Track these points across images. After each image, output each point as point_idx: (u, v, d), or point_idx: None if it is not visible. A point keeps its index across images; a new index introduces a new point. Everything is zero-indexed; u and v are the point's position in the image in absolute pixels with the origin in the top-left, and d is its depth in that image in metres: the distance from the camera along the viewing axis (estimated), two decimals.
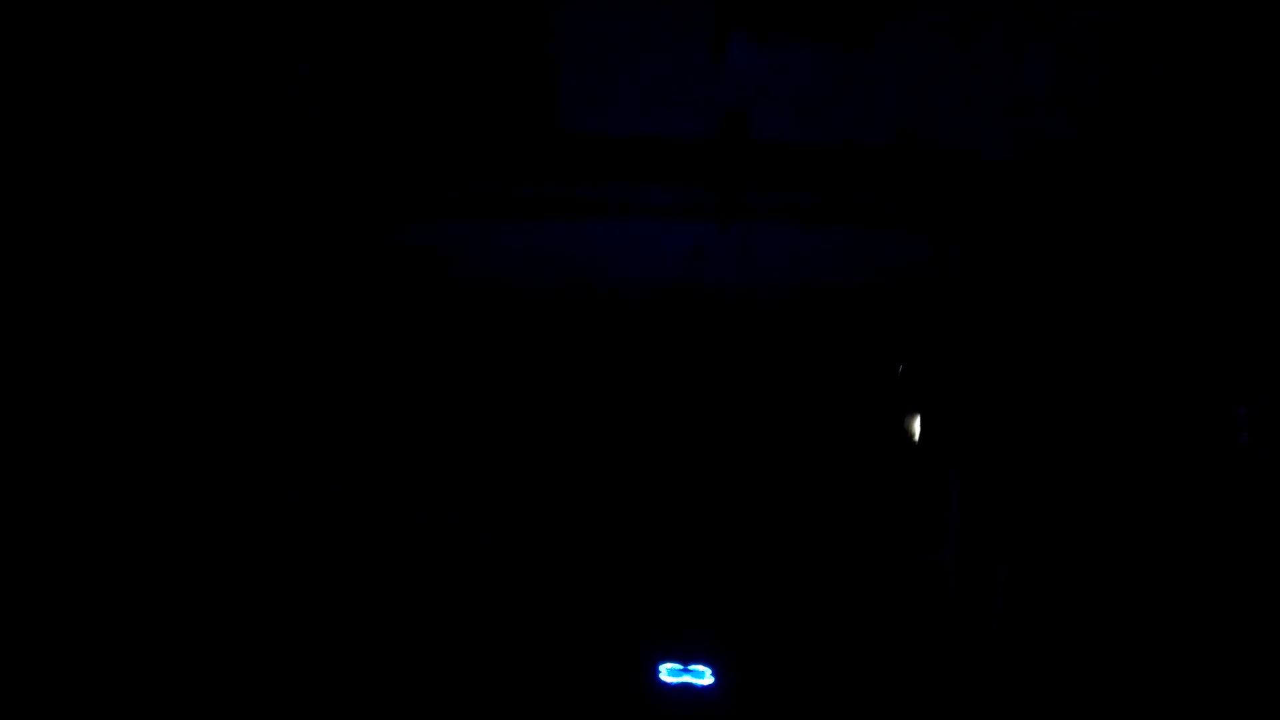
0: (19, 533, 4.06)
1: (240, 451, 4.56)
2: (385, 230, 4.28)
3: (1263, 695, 3.69)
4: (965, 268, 4.04)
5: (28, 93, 3.61)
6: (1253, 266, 3.99)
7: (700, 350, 4.45)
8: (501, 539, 4.51)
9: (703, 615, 4.37)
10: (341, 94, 3.83)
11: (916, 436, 4.36)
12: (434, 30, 3.66)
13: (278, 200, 4.14)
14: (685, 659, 4.19)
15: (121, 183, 3.97)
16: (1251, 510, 4.01)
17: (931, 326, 4.27)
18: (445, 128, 4.05)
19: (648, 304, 4.34)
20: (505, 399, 4.62)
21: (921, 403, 4.34)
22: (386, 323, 4.53)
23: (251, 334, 4.55)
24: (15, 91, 3.58)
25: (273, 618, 4.26)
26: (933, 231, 3.90)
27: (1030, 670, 4.01)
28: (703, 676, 4.17)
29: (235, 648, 4.13)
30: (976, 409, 4.22)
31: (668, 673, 4.17)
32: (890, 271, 4.09)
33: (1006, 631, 4.06)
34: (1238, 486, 4.10)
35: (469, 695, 4.15)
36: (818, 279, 4.16)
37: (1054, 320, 4.07)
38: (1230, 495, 4.06)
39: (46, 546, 4.12)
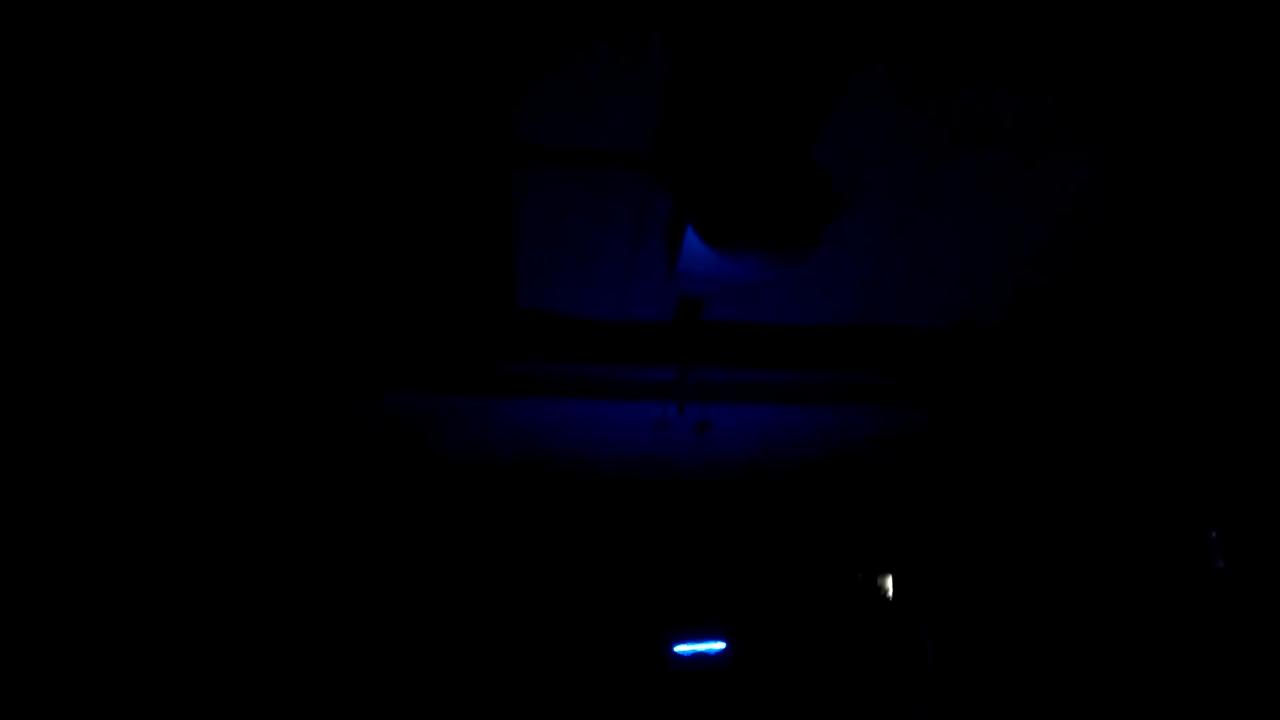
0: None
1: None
2: (349, 406, 4.31)
3: None
4: (930, 432, 4.09)
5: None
6: (1221, 403, 4.06)
7: (668, 516, 4.46)
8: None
9: None
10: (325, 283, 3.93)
11: (890, 595, 4.35)
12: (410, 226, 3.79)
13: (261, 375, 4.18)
14: None
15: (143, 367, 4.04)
16: (1228, 628, 4.00)
17: (898, 491, 4.30)
18: (416, 308, 4.13)
19: (612, 474, 4.36)
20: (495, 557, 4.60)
21: (893, 563, 4.35)
22: (353, 490, 4.53)
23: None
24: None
25: None
26: (883, 401, 3.97)
27: None
28: None
29: None
30: (947, 567, 4.23)
31: None
32: (846, 440, 4.12)
33: None
34: (1214, 610, 4.10)
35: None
36: (777, 450, 4.19)
37: (1019, 476, 4.11)
38: (1208, 618, 4.06)
39: None
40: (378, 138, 3.34)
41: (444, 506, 4.47)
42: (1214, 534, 4.31)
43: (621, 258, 4.00)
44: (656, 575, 4.52)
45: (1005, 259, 3.71)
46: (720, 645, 4.32)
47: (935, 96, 2.83)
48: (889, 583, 4.31)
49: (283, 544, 4.66)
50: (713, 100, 2.87)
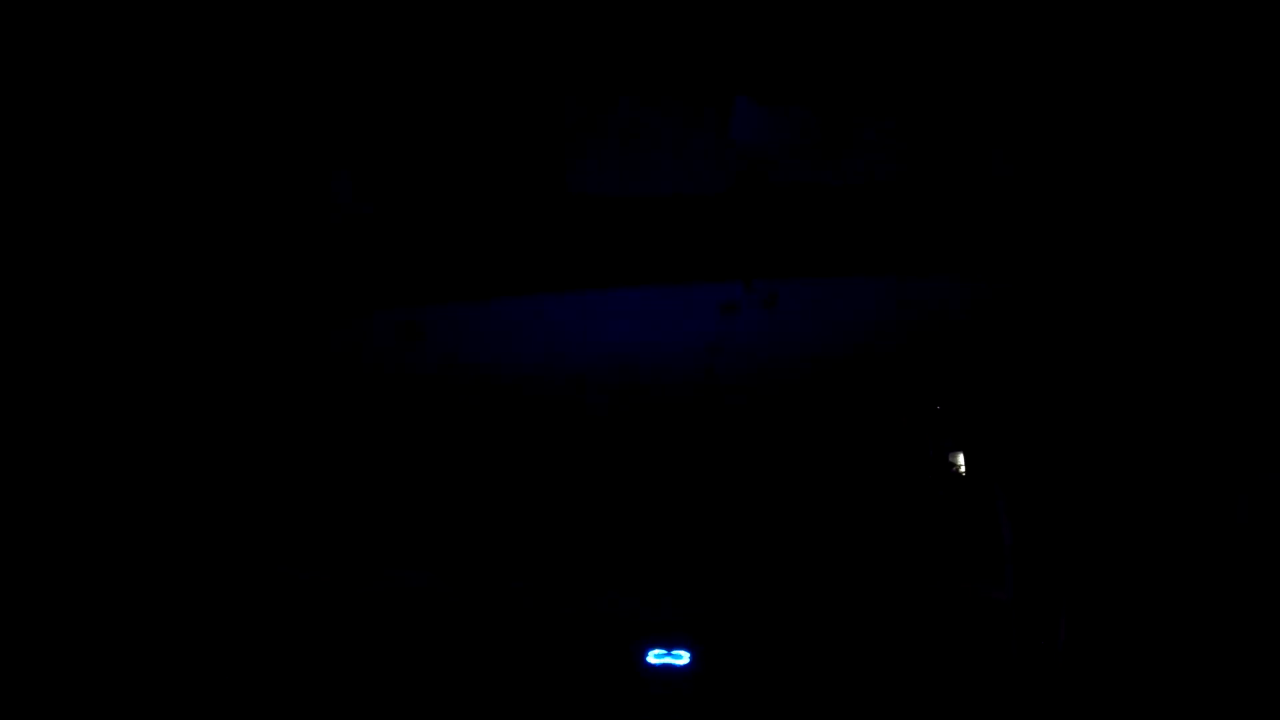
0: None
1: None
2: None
3: None
4: (1001, 306, 3.94)
5: None
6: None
7: (741, 399, 4.37)
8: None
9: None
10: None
11: (963, 473, 4.26)
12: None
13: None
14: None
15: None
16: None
17: (969, 365, 4.16)
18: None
19: (682, 362, 4.25)
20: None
21: (966, 440, 4.25)
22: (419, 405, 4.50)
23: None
24: None
25: None
26: (963, 270, 3.80)
27: (1095, 708, 3.89)
28: None
29: None
30: (1020, 443, 4.11)
31: None
32: (922, 313, 3.98)
33: (1071, 668, 3.95)
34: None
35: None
36: (850, 326, 4.06)
37: (1088, 354, 3.95)
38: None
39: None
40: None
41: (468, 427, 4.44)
42: None
43: (672, 138, 3.84)
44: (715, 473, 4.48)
45: None
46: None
47: None
48: (961, 460, 4.21)
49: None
50: None
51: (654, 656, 4.22)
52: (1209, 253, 3.53)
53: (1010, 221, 3.84)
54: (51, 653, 4.11)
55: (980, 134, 3.82)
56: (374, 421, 4.59)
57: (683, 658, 4.17)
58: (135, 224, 3.82)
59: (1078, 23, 3.49)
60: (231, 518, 4.74)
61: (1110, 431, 4.00)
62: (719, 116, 3.76)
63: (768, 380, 4.25)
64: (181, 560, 4.62)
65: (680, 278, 3.93)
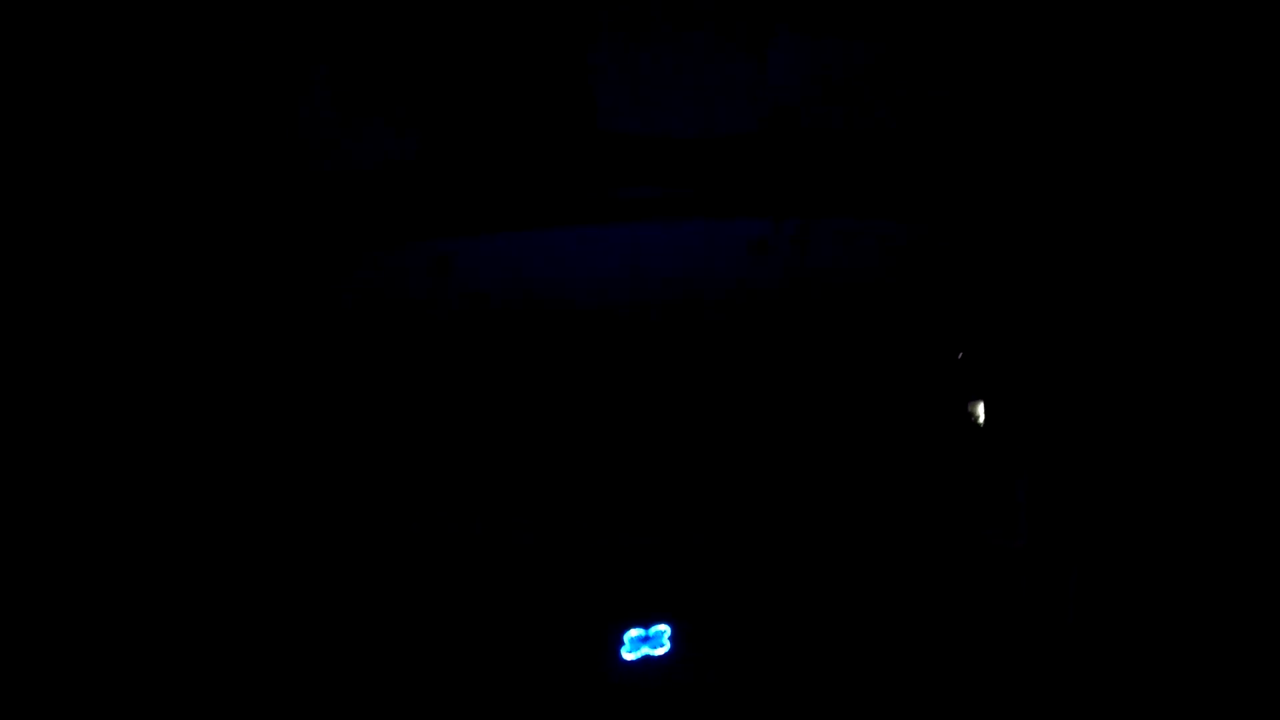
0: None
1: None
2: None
3: None
4: (1028, 256, 3.94)
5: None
6: None
7: (757, 341, 4.39)
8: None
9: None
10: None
11: (981, 420, 4.28)
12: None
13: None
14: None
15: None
16: None
17: (991, 314, 4.17)
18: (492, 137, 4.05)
19: (709, 301, 4.28)
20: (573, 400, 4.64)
21: (985, 386, 4.26)
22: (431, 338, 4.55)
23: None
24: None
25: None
26: (982, 217, 3.81)
27: (1108, 661, 3.94)
28: None
29: None
30: (1042, 390, 4.12)
31: None
32: (945, 258, 3.99)
33: (1083, 620, 4.00)
34: None
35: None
36: (874, 267, 4.07)
37: (1109, 304, 3.94)
38: None
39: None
40: None
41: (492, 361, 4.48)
42: None
43: (703, 75, 3.84)
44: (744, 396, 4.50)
45: None
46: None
47: None
48: (980, 409, 4.23)
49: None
50: None
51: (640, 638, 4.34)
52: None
53: (1041, 176, 3.83)
54: (89, 605, 4.17)
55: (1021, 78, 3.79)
56: (400, 362, 4.65)
57: (657, 637, 4.28)
58: (180, 160, 3.89)
59: None
60: (257, 470, 4.79)
61: (1129, 383, 4.00)
62: (753, 55, 3.76)
63: (789, 321, 4.27)
64: (210, 512, 4.67)
65: (709, 214, 3.97)
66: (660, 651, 4.23)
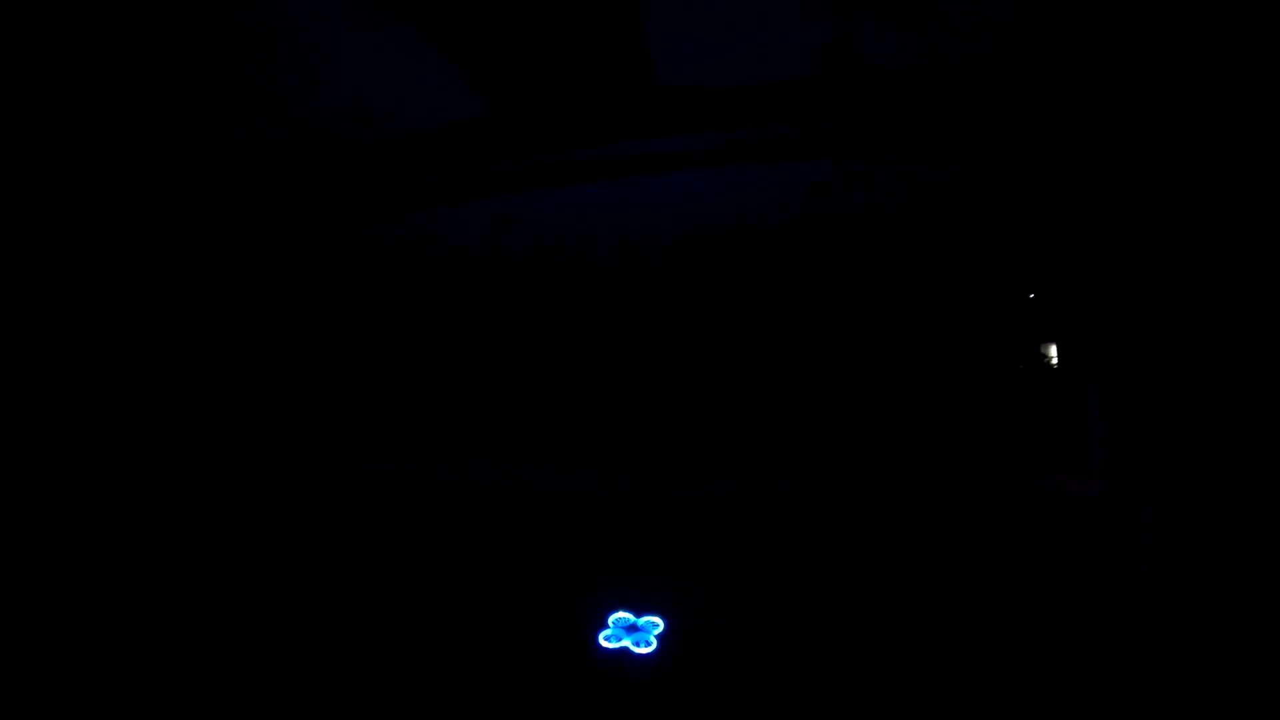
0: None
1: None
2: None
3: None
4: (1102, 195, 3.73)
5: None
6: None
7: (831, 278, 4.41)
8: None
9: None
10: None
11: (1054, 362, 4.14)
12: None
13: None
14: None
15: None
16: None
17: (1064, 254, 3.99)
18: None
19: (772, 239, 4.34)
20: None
21: (1059, 330, 4.11)
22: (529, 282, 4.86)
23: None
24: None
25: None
26: (1049, 156, 3.63)
27: (1181, 610, 3.78)
28: None
29: None
30: (1114, 336, 3.92)
31: None
32: (1016, 197, 3.86)
33: (1156, 569, 3.85)
34: None
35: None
36: (938, 208, 4.00)
37: (1187, 246, 3.66)
38: None
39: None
40: None
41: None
42: None
43: (754, 31, 3.84)
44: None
45: None
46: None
47: None
48: (1052, 351, 4.11)
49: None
50: None
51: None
52: None
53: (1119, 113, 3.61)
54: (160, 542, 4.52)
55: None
56: (460, 308, 4.96)
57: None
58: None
59: None
60: (317, 411, 5.17)
61: (1205, 324, 3.75)
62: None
63: (856, 260, 4.28)
64: (267, 453, 5.01)
65: (770, 158, 4.03)
66: (644, 650, 3.65)
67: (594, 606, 3.89)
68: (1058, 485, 4.17)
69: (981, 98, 3.76)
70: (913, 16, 3.67)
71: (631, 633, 3.70)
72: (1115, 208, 3.78)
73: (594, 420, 4.76)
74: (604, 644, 3.64)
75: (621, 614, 3.82)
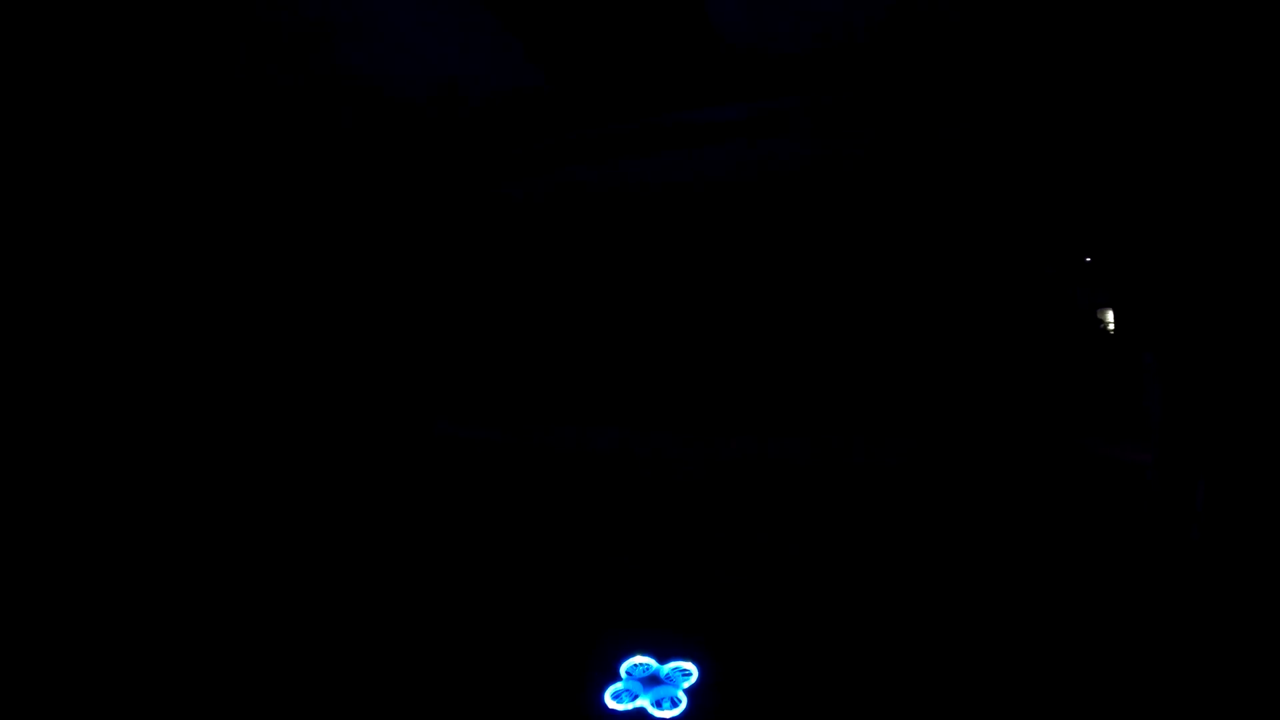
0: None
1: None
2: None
3: None
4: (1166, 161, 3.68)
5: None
6: None
7: (892, 239, 4.41)
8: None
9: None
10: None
11: (1110, 327, 4.10)
12: None
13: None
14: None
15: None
16: None
17: (1123, 218, 3.94)
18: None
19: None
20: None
21: (1117, 296, 4.06)
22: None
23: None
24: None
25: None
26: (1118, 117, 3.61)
27: (1233, 577, 3.71)
28: None
29: None
30: (1172, 304, 3.86)
31: None
32: (1075, 159, 3.85)
33: (1209, 536, 3.79)
34: None
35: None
36: (998, 169, 4.01)
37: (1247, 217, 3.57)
38: None
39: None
40: None
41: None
42: None
43: None
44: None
45: None
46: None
47: None
48: (1110, 317, 4.10)
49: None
50: None
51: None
52: None
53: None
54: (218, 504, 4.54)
55: None
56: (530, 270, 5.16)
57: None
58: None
59: None
60: (395, 375, 5.33)
61: (1264, 294, 3.68)
62: None
63: (915, 222, 4.31)
64: (348, 414, 5.15)
65: (833, 123, 4.11)
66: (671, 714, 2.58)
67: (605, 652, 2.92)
68: (1123, 453, 4.14)
69: (1053, 61, 3.77)
70: None
71: (651, 687, 2.73)
72: (1177, 172, 3.75)
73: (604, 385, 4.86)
74: (612, 705, 2.67)
75: (639, 659, 2.87)
